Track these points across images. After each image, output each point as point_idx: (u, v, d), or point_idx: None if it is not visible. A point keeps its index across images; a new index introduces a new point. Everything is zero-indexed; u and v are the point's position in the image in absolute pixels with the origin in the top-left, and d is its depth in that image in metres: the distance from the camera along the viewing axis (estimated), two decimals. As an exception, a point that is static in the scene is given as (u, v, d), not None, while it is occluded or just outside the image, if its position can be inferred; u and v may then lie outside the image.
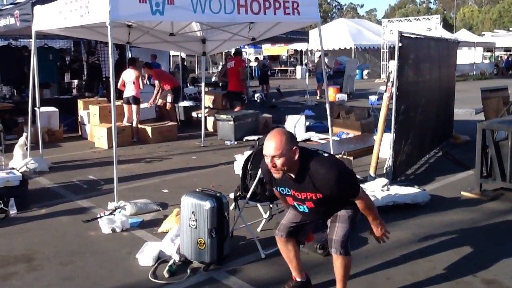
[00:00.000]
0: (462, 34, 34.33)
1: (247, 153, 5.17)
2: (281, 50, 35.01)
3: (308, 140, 8.91)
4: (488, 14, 61.19)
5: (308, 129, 9.70)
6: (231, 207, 4.29)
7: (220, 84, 17.80)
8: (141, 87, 9.34)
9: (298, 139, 3.38)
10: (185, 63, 18.97)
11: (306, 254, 3.91)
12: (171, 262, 3.73)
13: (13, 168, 6.07)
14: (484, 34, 40.56)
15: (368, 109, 10.29)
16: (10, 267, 3.84)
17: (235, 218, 4.09)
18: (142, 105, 10.32)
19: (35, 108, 7.34)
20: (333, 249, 2.98)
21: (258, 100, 16.52)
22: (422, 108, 6.79)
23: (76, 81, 13.08)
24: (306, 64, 27.53)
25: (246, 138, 9.33)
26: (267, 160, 2.86)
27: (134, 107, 9.35)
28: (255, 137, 8.88)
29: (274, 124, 10.48)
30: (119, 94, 9.23)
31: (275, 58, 36.66)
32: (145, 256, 3.85)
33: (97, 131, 9.05)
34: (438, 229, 4.50)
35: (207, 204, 3.65)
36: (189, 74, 20.67)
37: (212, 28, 7.89)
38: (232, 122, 9.32)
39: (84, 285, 3.55)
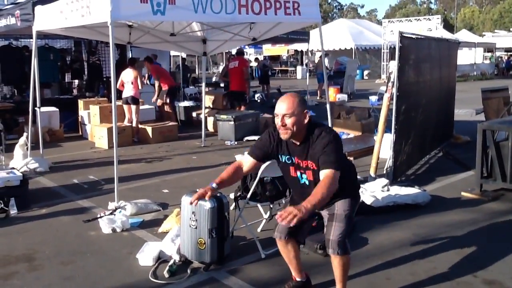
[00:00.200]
0: (463, 35, 34.32)
1: (248, 153, 5.17)
2: (282, 50, 35.02)
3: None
4: (488, 14, 61.20)
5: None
6: (232, 207, 4.29)
7: (222, 84, 17.80)
8: (140, 87, 9.35)
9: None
10: (185, 63, 18.97)
11: (306, 254, 3.91)
12: (171, 262, 3.73)
13: (13, 168, 6.07)
14: (484, 35, 40.56)
15: (369, 110, 10.28)
16: (11, 267, 3.84)
17: (235, 218, 4.09)
18: (143, 106, 10.35)
19: (36, 108, 7.35)
20: (330, 249, 2.98)
21: (259, 100, 16.52)
22: (423, 109, 6.79)
23: (76, 81, 13.08)
24: (306, 65, 27.51)
25: (246, 138, 9.33)
26: (278, 119, 2.92)
27: (133, 107, 9.36)
28: (256, 137, 8.88)
29: (274, 125, 10.48)
30: (118, 94, 9.23)
31: (275, 58, 36.66)
32: (146, 256, 3.85)
33: (97, 131, 9.06)
34: (438, 229, 4.50)
35: (207, 204, 3.65)
36: (191, 75, 20.67)
37: (213, 28, 7.89)
38: (232, 122, 9.32)
39: (84, 284, 3.55)
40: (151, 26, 7.41)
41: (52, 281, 3.61)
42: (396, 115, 5.85)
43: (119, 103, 9.14)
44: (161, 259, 3.87)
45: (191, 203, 3.22)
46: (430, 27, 24.50)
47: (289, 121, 2.87)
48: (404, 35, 6.01)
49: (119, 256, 4.03)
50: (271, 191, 4.18)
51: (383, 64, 27.61)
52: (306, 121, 2.92)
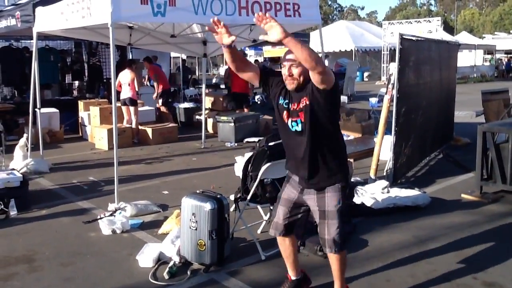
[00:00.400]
0: (463, 37, 34.39)
1: (248, 155, 5.16)
2: (282, 52, 34.66)
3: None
4: (488, 16, 61.25)
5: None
6: (232, 209, 4.29)
7: (223, 86, 17.80)
8: (137, 89, 9.36)
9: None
10: (186, 65, 18.97)
11: (306, 256, 3.91)
12: (171, 263, 3.73)
13: (13, 169, 6.07)
14: (484, 37, 40.61)
15: (369, 111, 10.29)
16: (11, 268, 3.84)
17: (235, 220, 4.10)
18: (143, 107, 10.36)
19: (36, 109, 7.35)
20: (327, 248, 3.00)
21: (259, 102, 16.51)
22: (423, 110, 6.79)
23: (77, 82, 13.07)
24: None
25: (246, 139, 9.34)
26: (284, 70, 2.88)
27: (131, 108, 9.37)
28: (256, 139, 8.87)
29: (275, 126, 10.49)
30: (118, 95, 9.24)
31: (275, 60, 36.60)
32: (145, 258, 3.85)
33: (97, 132, 9.06)
34: (438, 231, 4.50)
35: (207, 206, 3.65)
36: (192, 76, 20.66)
37: (213, 30, 7.90)
38: (232, 124, 9.32)
39: (84, 286, 3.55)
40: (152, 27, 7.42)
41: (52, 282, 3.61)
42: (396, 117, 5.86)
43: (119, 104, 9.15)
44: (161, 260, 3.86)
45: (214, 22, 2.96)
46: (430, 29, 24.52)
47: (295, 71, 2.85)
48: (404, 37, 6.02)
49: (119, 258, 4.03)
50: (271, 193, 4.17)
51: (383, 66, 27.63)
52: None
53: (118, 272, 3.76)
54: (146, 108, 10.64)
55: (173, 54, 18.97)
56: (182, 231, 3.81)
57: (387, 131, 6.13)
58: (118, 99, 8.74)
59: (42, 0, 7.37)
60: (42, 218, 5.04)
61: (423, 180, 6.25)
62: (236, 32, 7.64)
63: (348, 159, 6.34)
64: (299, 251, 3.54)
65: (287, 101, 2.99)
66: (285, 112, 3.01)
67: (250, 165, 4.20)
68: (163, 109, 11.09)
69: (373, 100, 12.67)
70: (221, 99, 12.42)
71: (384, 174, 5.96)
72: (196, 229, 3.69)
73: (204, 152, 8.58)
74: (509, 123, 5.93)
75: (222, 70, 30.89)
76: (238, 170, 6.02)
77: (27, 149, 7.20)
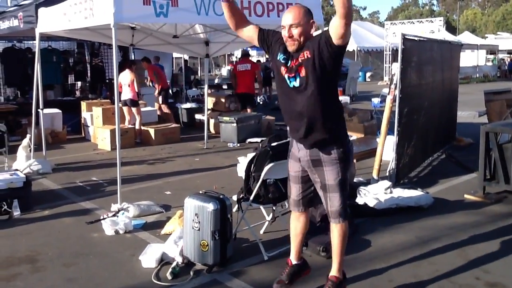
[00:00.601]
0: (465, 37, 34.28)
1: (250, 155, 5.16)
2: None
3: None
4: (491, 16, 61.14)
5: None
6: (234, 209, 4.28)
7: (225, 86, 17.81)
8: (136, 89, 9.38)
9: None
10: (188, 65, 18.98)
11: (309, 257, 3.90)
12: (174, 264, 3.73)
13: (16, 170, 6.08)
14: (487, 37, 40.51)
15: (371, 112, 10.28)
16: (14, 268, 3.85)
17: (238, 220, 4.10)
18: (145, 108, 10.38)
19: (39, 110, 7.36)
20: (332, 219, 3.09)
21: (261, 102, 16.52)
22: (425, 111, 6.78)
23: (79, 83, 13.12)
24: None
25: (249, 140, 9.34)
26: (284, 31, 2.89)
27: (133, 109, 9.39)
28: (258, 139, 8.88)
29: (277, 126, 10.50)
30: (120, 95, 9.27)
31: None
32: (148, 258, 3.85)
33: (100, 133, 9.07)
34: (441, 232, 4.49)
35: (210, 206, 3.66)
36: (195, 76, 20.69)
37: (215, 30, 7.91)
38: (235, 124, 9.32)
39: (87, 286, 3.56)
40: (154, 28, 7.43)
41: (55, 282, 3.61)
42: (398, 117, 5.85)
43: (121, 105, 9.17)
44: (164, 261, 3.87)
45: None
46: (433, 29, 24.49)
47: (296, 32, 2.85)
48: (407, 37, 6.01)
49: (122, 258, 4.03)
50: (274, 193, 4.17)
51: (385, 66, 27.59)
52: (313, 31, 2.90)
53: (121, 273, 3.76)
54: (149, 108, 10.66)
55: (175, 55, 19.01)
56: (185, 232, 3.82)
57: (390, 131, 6.12)
58: (120, 99, 8.76)
59: (44, 1, 7.39)
60: (45, 219, 5.05)
61: (425, 181, 6.25)
62: (238, 32, 7.65)
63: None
64: (302, 251, 3.53)
65: (285, 56, 2.98)
66: (282, 68, 2.99)
67: (252, 165, 4.19)
68: (163, 107, 11.11)
69: (376, 100, 12.66)
70: (223, 100, 12.43)
71: (387, 174, 5.95)
72: (199, 230, 3.70)
73: (207, 152, 8.58)
74: (512, 123, 5.92)
75: (224, 71, 30.93)
76: (241, 171, 6.02)
77: (30, 150, 7.22)
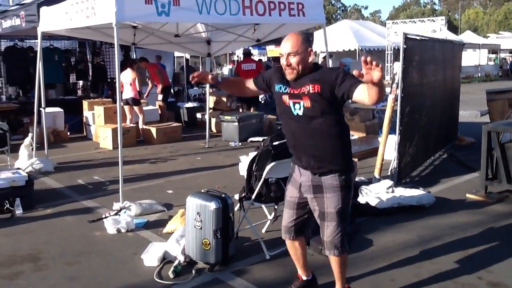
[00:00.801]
0: (467, 36, 34.22)
1: (252, 154, 5.17)
2: (286, 51, 34.87)
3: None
4: (493, 15, 61.05)
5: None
6: (236, 208, 4.28)
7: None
8: (138, 88, 9.39)
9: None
10: (189, 64, 18.96)
11: (311, 256, 3.91)
12: (176, 262, 3.74)
13: (19, 168, 6.10)
14: (489, 36, 40.45)
15: (373, 111, 10.28)
16: (17, 267, 3.86)
17: (240, 219, 4.10)
18: (147, 107, 10.39)
19: (41, 109, 7.37)
20: (326, 250, 2.99)
21: (263, 102, 16.50)
22: (427, 110, 6.78)
23: (81, 82, 13.12)
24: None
25: (250, 139, 9.34)
26: (283, 60, 2.88)
27: (135, 108, 9.41)
28: (260, 138, 8.88)
29: (279, 126, 10.49)
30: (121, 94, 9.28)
31: (279, 60, 36.56)
32: (150, 257, 3.86)
33: (102, 132, 9.08)
34: (443, 231, 4.49)
35: (212, 205, 3.66)
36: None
37: (217, 29, 7.91)
38: (236, 123, 9.32)
39: (89, 285, 3.56)
40: (156, 27, 7.43)
41: (57, 281, 3.62)
42: (400, 117, 5.85)
43: (122, 104, 9.18)
44: (166, 259, 3.87)
45: (192, 78, 3.20)
46: (434, 28, 24.43)
47: (294, 60, 2.83)
48: (408, 36, 6.01)
49: (124, 257, 4.04)
50: (276, 192, 4.17)
51: (387, 66, 27.55)
52: (311, 59, 2.87)
53: (123, 271, 3.77)
54: (150, 107, 10.67)
55: (176, 54, 18.98)
56: (187, 230, 3.82)
57: (391, 130, 6.12)
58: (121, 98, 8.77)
59: (46, 0, 7.40)
60: (47, 217, 5.06)
61: (427, 180, 6.24)
62: (240, 31, 7.66)
63: (353, 159, 6.38)
64: (307, 246, 3.52)
65: (283, 85, 2.96)
66: (284, 96, 2.96)
67: (254, 164, 4.19)
68: (159, 103, 11.14)
69: (377, 99, 12.62)
70: (225, 99, 12.43)
71: (389, 173, 5.95)
72: (201, 228, 3.70)
73: (208, 151, 8.59)
74: (514, 122, 5.91)
75: (225, 70, 30.90)
76: (243, 170, 6.04)
77: (32, 149, 7.24)
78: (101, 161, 7.81)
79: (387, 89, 9.25)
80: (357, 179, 5.74)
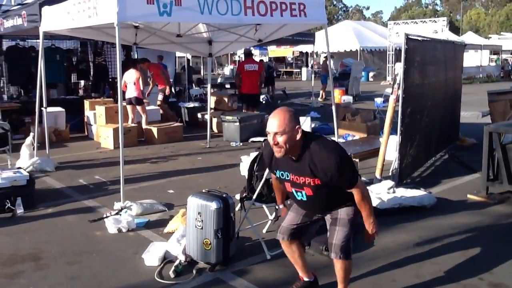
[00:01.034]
0: (469, 37, 34.25)
1: (253, 154, 5.18)
2: (287, 51, 34.98)
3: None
4: (495, 16, 60.97)
5: (313, 131, 9.69)
6: (237, 208, 4.29)
7: (228, 86, 17.79)
8: (141, 88, 9.40)
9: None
10: (190, 64, 18.98)
11: (312, 256, 3.91)
12: (177, 262, 3.74)
13: (20, 168, 6.10)
14: (490, 37, 40.43)
15: (374, 111, 10.28)
16: (18, 266, 3.86)
17: (241, 219, 4.10)
18: (149, 107, 10.39)
19: (42, 108, 7.38)
20: (332, 253, 2.98)
21: (264, 102, 16.51)
22: (428, 111, 6.77)
23: (82, 82, 13.13)
24: (311, 66, 27.53)
25: (251, 139, 9.34)
26: (270, 137, 2.86)
27: (139, 107, 9.42)
28: (261, 139, 8.89)
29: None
30: (123, 94, 9.27)
31: (280, 60, 36.65)
32: (151, 256, 3.86)
33: (103, 132, 9.09)
34: (444, 232, 4.49)
35: (213, 205, 3.66)
36: (198, 78, 20.69)
37: (218, 30, 7.91)
38: (237, 124, 9.32)
39: (90, 284, 3.57)
40: (157, 27, 7.43)
41: (58, 280, 3.62)
42: (401, 117, 5.84)
43: (125, 103, 9.18)
44: (167, 259, 3.88)
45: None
46: (436, 29, 24.45)
47: (281, 139, 2.80)
48: (410, 37, 6.00)
49: (124, 256, 4.04)
50: (277, 192, 4.17)
51: (388, 66, 27.56)
52: (298, 136, 2.83)
53: (124, 271, 3.77)
54: (152, 107, 10.68)
55: (178, 54, 19.00)
56: (188, 230, 3.82)
57: (393, 131, 6.11)
58: (123, 98, 8.78)
59: (48, 0, 7.41)
60: (48, 217, 5.07)
61: (428, 181, 6.24)
62: (241, 31, 7.65)
63: (354, 159, 6.37)
64: (304, 251, 3.53)
65: (283, 172, 3.02)
66: (286, 183, 3.07)
67: (255, 164, 4.21)
68: (159, 103, 11.14)
69: (379, 100, 12.65)
70: (226, 99, 12.43)
71: (390, 174, 5.94)
72: (201, 228, 3.70)
73: (210, 151, 8.59)
74: (515, 123, 5.90)
75: (227, 70, 30.93)
76: (244, 170, 6.04)
77: (34, 148, 7.24)
78: (102, 160, 7.82)
79: (389, 90, 9.22)
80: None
